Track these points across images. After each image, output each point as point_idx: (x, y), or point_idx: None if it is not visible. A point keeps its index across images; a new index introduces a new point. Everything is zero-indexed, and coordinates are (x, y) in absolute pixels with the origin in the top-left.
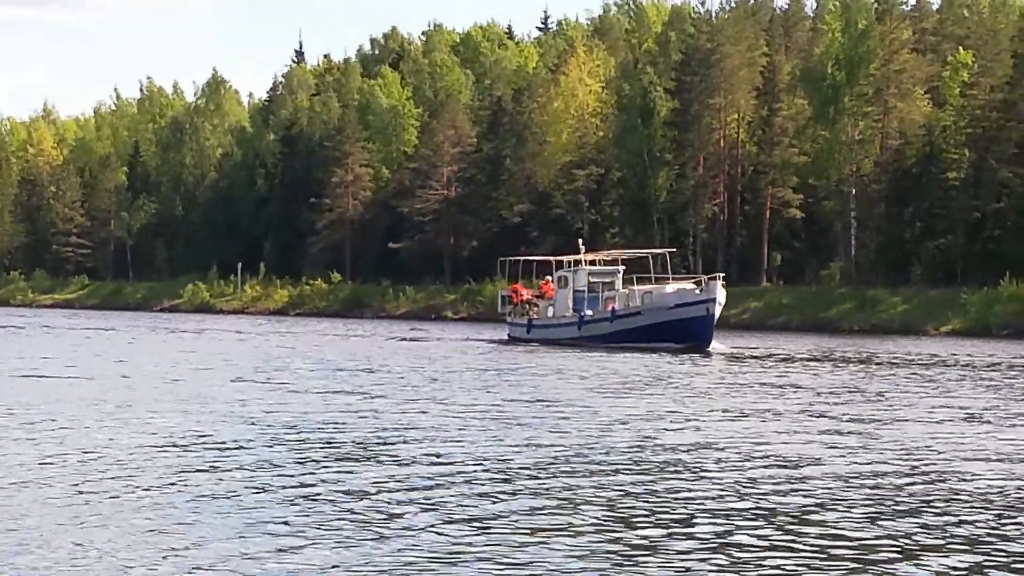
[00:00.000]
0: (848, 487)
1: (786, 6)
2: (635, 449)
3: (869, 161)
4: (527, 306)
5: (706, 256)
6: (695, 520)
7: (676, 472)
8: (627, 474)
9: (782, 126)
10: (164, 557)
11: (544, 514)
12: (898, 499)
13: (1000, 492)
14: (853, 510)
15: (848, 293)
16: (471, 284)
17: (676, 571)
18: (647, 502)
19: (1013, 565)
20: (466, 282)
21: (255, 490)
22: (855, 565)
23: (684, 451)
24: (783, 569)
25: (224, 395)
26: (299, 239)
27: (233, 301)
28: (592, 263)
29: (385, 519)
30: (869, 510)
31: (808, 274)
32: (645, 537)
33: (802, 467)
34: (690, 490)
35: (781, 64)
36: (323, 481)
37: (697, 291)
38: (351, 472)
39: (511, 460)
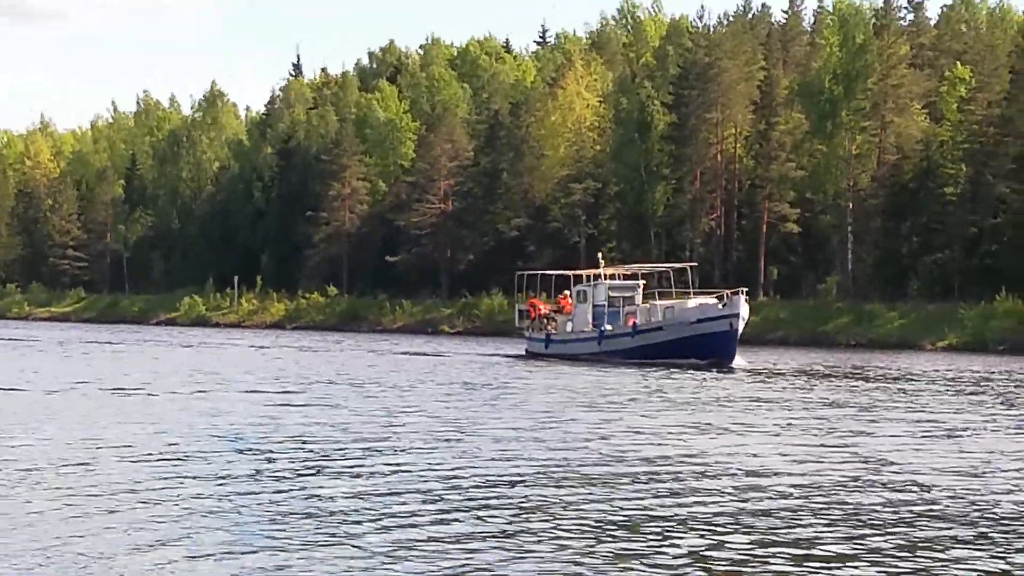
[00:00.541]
0: (822, 499)
1: (783, 20)
2: (639, 464)
3: (866, 176)
4: (545, 321)
5: (703, 270)
6: (669, 531)
7: (656, 485)
8: (606, 487)
9: (779, 140)
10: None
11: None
12: (861, 511)
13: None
14: (825, 522)
15: (845, 307)
16: (467, 298)
17: None
18: (623, 515)
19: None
20: (462, 296)
21: (252, 505)
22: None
23: (671, 464)
24: None
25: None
26: (296, 252)
27: (230, 314)
28: (611, 277)
29: (366, 532)
30: (832, 521)
31: (805, 288)
32: (621, 549)
33: (768, 479)
34: (664, 504)
35: (778, 78)
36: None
37: (720, 306)
38: (343, 486)
39: (506, 476)
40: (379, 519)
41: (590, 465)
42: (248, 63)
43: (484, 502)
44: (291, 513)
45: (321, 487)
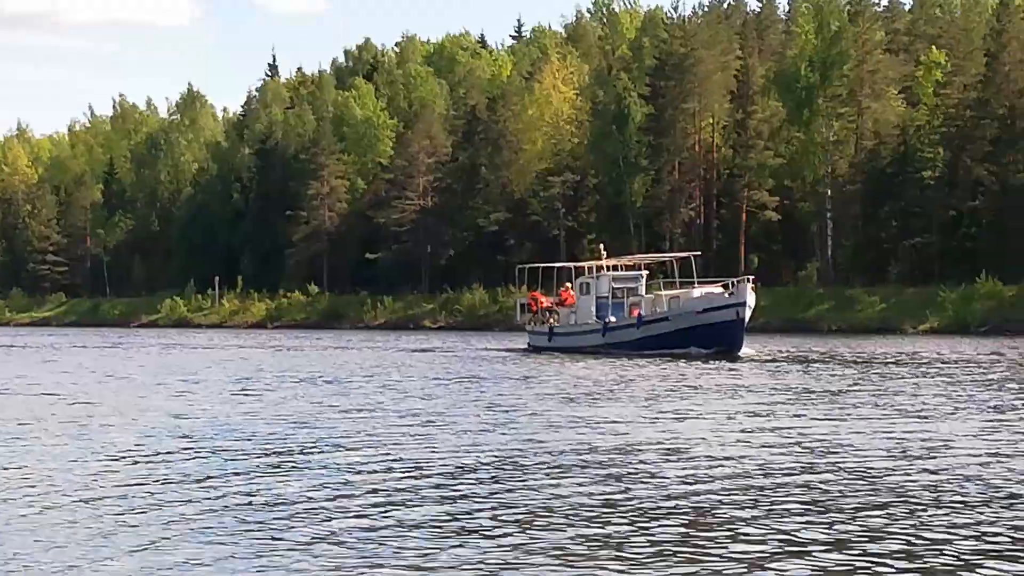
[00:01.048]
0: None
1: (758, 9)
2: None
3: (844, 162)
4: (547, 314)
5: (683, 260)
6: (633, 520)
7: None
8: (577, 477)
9: (757, 129)
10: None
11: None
12: (814, 495)
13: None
14: (790, 507)
15: (826, 293)
16: (449, 293)
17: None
18: (590, 503)
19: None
20: (444, 291)
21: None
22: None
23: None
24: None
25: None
26: (276, 252)
27: (211, 315)
28: (614, 269)
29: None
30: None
31: (786, 275)
32: (583, 537)
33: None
34: (630, 489)
35: (755, 67)
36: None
37: (726, 295)
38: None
39: (481, 465)
40: (319, 511)
41: (560, 454)
42: (224, 64)
43: (455, 491)
44: (236, 506)
45: (279, 480)
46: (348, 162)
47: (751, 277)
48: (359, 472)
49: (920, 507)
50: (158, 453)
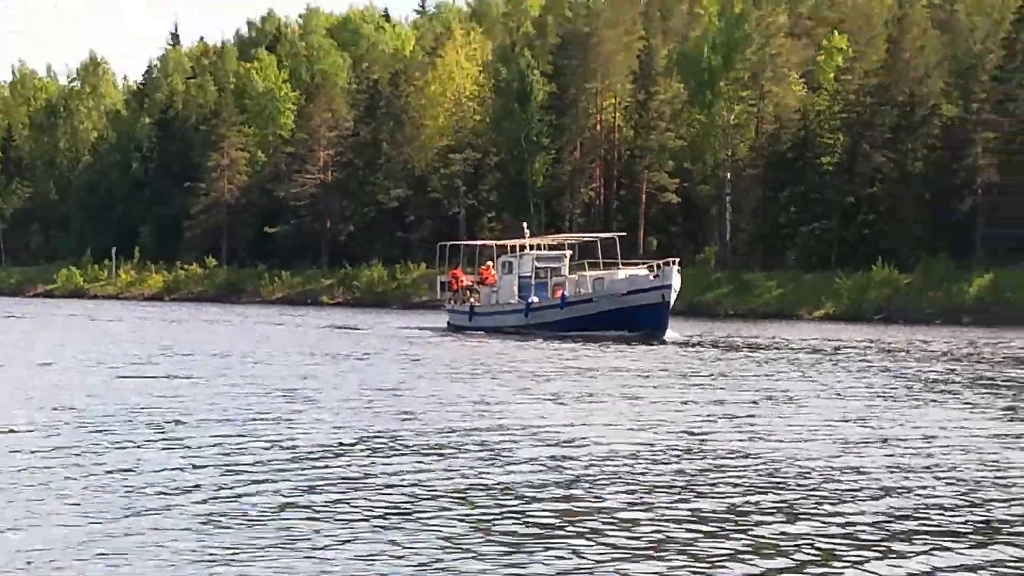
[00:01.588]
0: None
1: None
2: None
3: (745, 145)
4: (467, 293)
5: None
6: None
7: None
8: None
9: (658, 110)
10: None
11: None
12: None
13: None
14: (618, 487)
15: (724, 277)
16: (348, 269)
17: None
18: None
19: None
20: (343, 267)
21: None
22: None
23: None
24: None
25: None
26: (175, 224)
27: (108, 286)
28: (537, 248)
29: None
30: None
31: (684, 258)
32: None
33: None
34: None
35: (658, 48)
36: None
37: (651, 277)
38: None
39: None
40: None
41: (417, 435)
42: (126, 33)
43: (299, 471)
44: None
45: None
46: (249, 134)
47: (677, 260)
48: (206, 449)
49: (748, 488)
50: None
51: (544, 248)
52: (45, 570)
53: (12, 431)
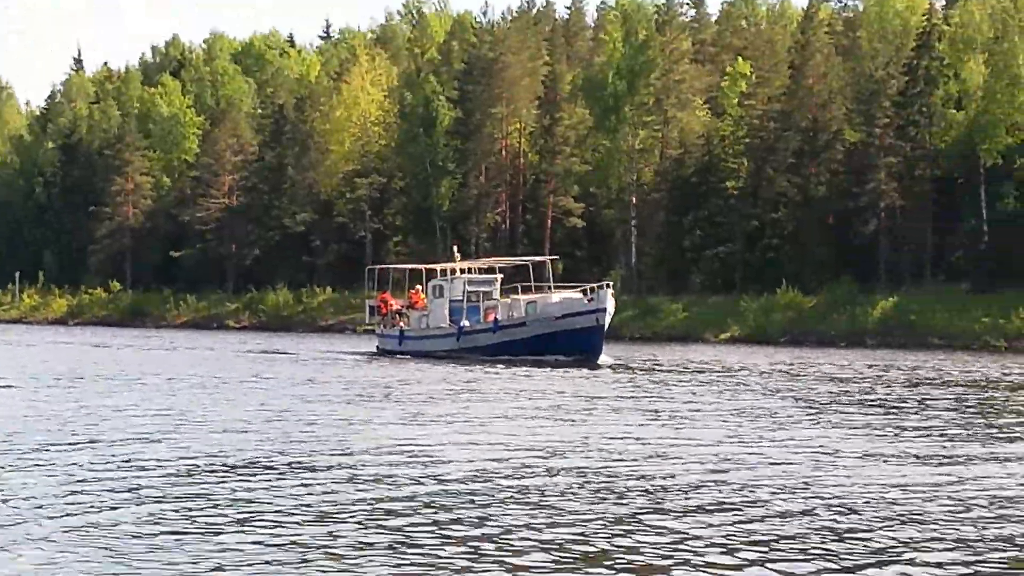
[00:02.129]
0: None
1: (567, 16)
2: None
3: (649, 170)
4: (396, 317)
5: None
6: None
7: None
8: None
9: (563, 135)
10: None
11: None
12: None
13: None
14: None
15: (629, 301)
16: (254, 293)
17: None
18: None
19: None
20: (248, 291)
21: None
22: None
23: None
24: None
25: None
26: (79, 248)
27: (11, 310)
28: (467, 271)
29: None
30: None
31: (590, 282)
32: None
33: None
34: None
35: (563, 73)
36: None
37: (585, 300)
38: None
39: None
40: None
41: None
42: (29, 57)
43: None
44: None
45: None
46: (154, 159)
47: (610, 283)
48: (85, 470)
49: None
50: None
51: (475, 272)
52: None
53: None
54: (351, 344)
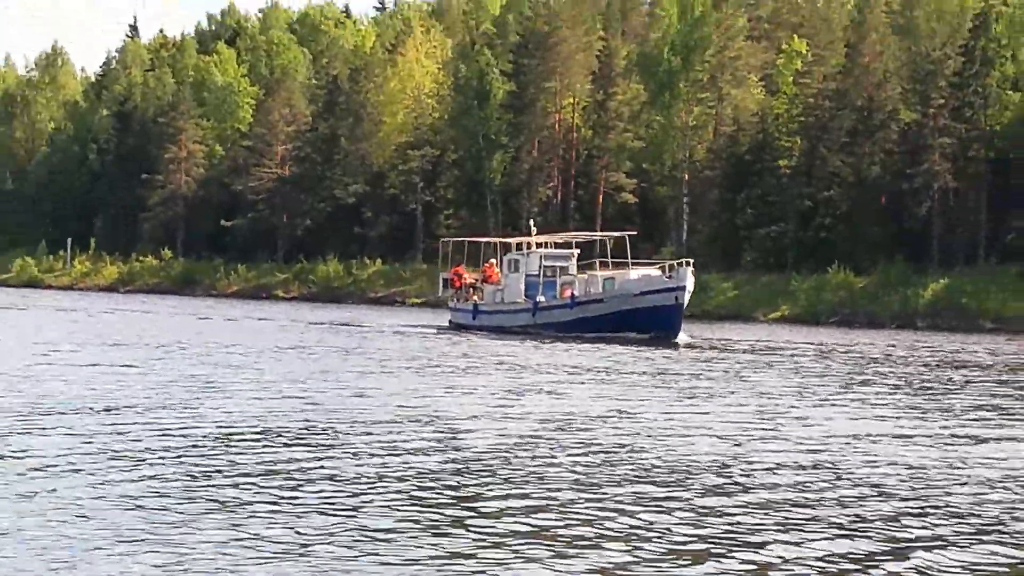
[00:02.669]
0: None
1: None
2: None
3: (703, 147)
4: (470, 291)
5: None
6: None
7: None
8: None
9: (617, 111)
10: None
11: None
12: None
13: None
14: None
15: None
16: (304, 263)
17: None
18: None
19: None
20: (299, 261)
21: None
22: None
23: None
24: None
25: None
26: (131, 215)
27: (62, 277)
28: (544, 246)
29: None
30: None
31: (641, 258)
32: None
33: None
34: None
35: (617, 49)
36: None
37: (665, 278)
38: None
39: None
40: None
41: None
42: (85, 24)
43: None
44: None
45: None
46: (207, 127)
47: (690, 260)
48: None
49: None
50: None
51: (551, 247)
52: None
53: None
54: (418, 318)
